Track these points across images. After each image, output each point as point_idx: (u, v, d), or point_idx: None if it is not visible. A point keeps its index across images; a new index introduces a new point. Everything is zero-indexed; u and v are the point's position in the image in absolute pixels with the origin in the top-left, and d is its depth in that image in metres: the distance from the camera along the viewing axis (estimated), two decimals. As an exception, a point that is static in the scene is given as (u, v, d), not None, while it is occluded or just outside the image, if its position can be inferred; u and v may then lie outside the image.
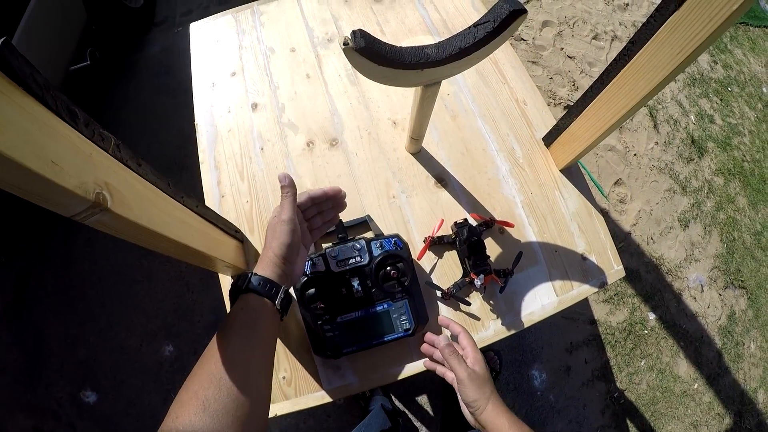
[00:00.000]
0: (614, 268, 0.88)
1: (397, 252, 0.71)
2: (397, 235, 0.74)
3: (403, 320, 0.71)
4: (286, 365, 0.77)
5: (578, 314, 1.74)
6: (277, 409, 0.75)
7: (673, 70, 0.58)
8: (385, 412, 1.24)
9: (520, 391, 1.62)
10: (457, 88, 0.98)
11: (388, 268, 0.71)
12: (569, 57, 2.11)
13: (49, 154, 0.33)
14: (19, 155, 0.30)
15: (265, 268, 0.56)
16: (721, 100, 2.30)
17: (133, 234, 0.46)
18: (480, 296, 0.80)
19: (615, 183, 1.94)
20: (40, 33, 1.57)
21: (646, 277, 1.82)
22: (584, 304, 1.76)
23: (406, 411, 1.53)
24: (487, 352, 1.58)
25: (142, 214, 0.45)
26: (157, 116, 1.94)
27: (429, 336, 0.70)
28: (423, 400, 1.56)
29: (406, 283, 0.71)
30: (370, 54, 0.51)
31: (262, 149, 0.91)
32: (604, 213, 1.87)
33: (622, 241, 1.85)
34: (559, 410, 1.62)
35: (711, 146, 2.15)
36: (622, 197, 1.92)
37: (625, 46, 0.64)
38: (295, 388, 0.76)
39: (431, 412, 1.55)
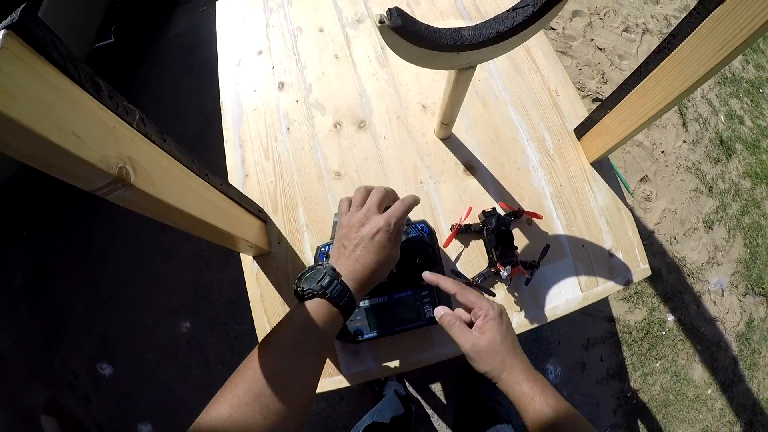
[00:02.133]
0: (640, 267, 0.85)
1: (424, 239, 0.70)
2: (424, 221, 0.73)
3: (427, 308, 0.70)
4: (306, 347, 0.77)
5: (597, 311, 1.71)
6: None
7: (714, 67, 0.55)
8: (399, 398, 1.24)
9: (532, 385, 1.61)
10: (489, 74, 0.95)
11: (415, 255, 0.69)
12: (599, 48, 2.05)
13: (71, 125, 0.32)
14: (39, 126, 0.29)
15: (357, 288, 0.52)
16: (751, 101, 2.23)
17: (154, 210, 0.46)
18: (504, 287, 0.79)
19: (641, 180, 1.89)
20: (66, 8, 1.56)
21: (667, 278, 1.78)
22: (603, 300, 1.73)
23: (419, 398, 1.53)
24: None
25: (165, 191, 0.45)
26: (181, 96, 1.94)
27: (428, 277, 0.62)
28: (437, 387, 1.56)
29: (432, 271, 0.69)
30: (407, 33, 0.49)
31: (288, 129, 0.90)
32: (629, 210, 1.83)
33: (646, 239, 1.81)
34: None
35: (739, 148, 2.08)
36: (647, 195, 1.88)
37: (665, 39, 0.62)
38: (314, 371, 0.77)
39: (444, 401, 1.55)
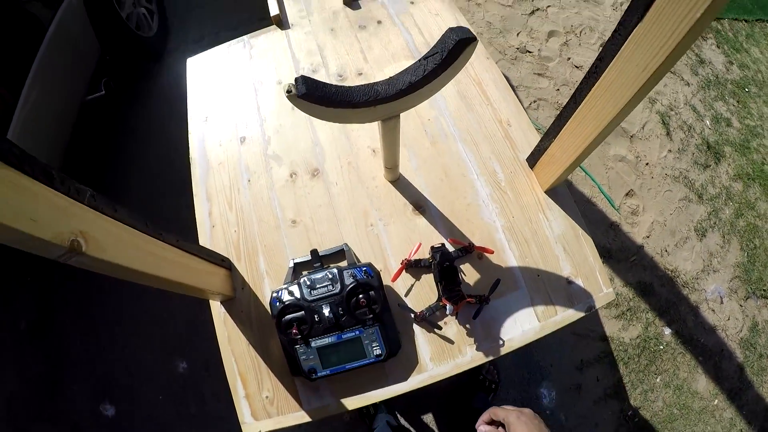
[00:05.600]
0: (603, 291, 0.85)
1: (368, 281, 0.73)
2: (368, 264, 0.76)
3: (374, 346, 0.73)
4: (269, 385, 0.81)
5: (589, 331, 1.69)
6: (261, 426, 0.79)
7: (641, 88, 0.56)
8: (391, 429, 1.25)
9: (528, 409, 1.59)
10: (438, 113, 0.99)
11: (359, 296, 0.73)
12: (576, 67, 2.08)
13: (28, 212, 0.40)
14: (1, 217, 0.37)
15: None
16: (738, 101, 2.22)
17: (113, 271, 0.52)
18: (456, 321, 0.80)
19: (626, 194, 1.89)
20: (55, 68, 1.66)
21: (660, 291, 1.76)
22: (595, 320, 1.71)
23: (411, 429, 1.53)
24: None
25: (117, 255, 0.51)
26: (170, 141, 2.01)
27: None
28: (428, 418, 1.55)
29: (377, 311, 0.73)
30: (314, 98, 0.54)
31: (249, 181, 0.96)
32: (616, 226, 1.82)
33: (635, 254, 1.79)
34: (570, 429, 1.58)
35: (728, 151, 2.07)
36: (633, 209, 1.87)
37: (593, 63, 0.63)
38: (277, 407, 0.80)
39: (437, 430, 1.54)
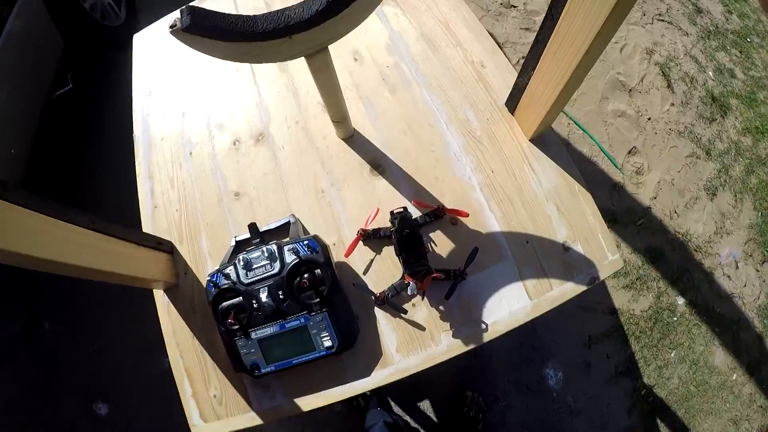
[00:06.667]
0: (608, 258, 0.70)
1: (311, 256, 0.61)
2: (313, 237, 0.63)
3: (323, 336, 0.61)
4: (216, 383, 0.71)
5: (596, 303, 1.56)
6: (211, 428, 0.69)
7: None
8: (388, 428, 1.14)
9: (533, 392, 1.47)
10: (399, 58, 0.85)
11: (303, 276, 0.61)
12: (567, 20, 1.92)
13: None
14: None
15: None
16: (740, 52, 2.07)
17: (9, 260, 0.45)
18: (427, 303, 0.67)
19: (629, 152, 1.74)
20: (14, 68, 1.58)
21: (671, 257, 1.62)
22: (602, 291, 1.58)
23: (408, 418, 1.43)
24: (465, 392, 1.41)
25: (5, 239, 0.44)
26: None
27: None
28: (425, 405, 1.45)
29: (324, 293, 0.60)
30: (204, 31, 0.42)
31: (191, 153, 0.84)
32: (619, 187, 1.68)
33: (642, 217, 1.65)
34: (579, 411, 1.46)
35: (734, 103, 1.91)
36: (638, 168, 1.72)
37: None
38: (226, 408, 0.70)
39: (434, 418, 1.44)
